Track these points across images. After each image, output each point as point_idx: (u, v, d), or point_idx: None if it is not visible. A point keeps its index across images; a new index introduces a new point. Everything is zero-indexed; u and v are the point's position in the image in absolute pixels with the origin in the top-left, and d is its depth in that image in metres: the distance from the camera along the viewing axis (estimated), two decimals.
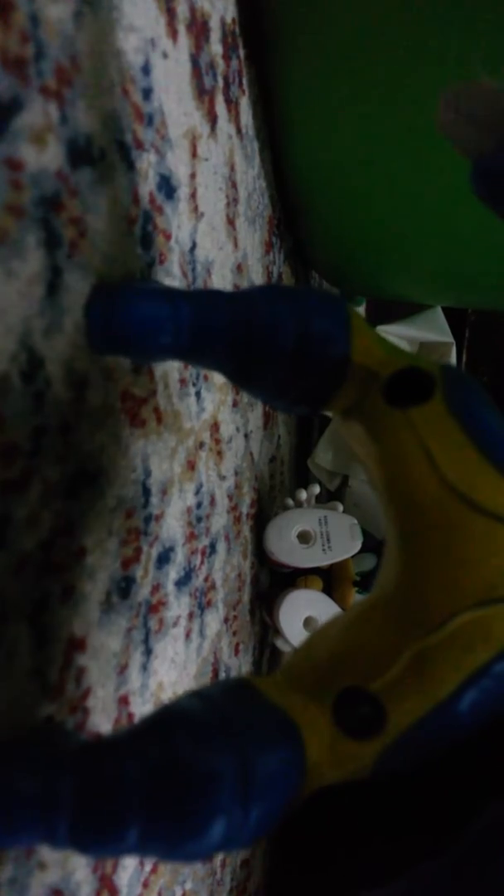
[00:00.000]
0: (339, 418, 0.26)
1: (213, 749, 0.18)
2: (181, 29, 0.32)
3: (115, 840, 0.17)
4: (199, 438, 0.38)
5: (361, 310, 1.15)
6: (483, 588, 0.20)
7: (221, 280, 0.41)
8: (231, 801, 0.17)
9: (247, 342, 0.23)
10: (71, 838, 0.17)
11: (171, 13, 0.31)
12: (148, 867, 0.33)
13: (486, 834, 0.19)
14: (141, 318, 0.23)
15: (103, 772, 0.17)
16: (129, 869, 0.30)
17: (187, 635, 0.38)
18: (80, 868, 0.25)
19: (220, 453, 0.43)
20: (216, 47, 0.39)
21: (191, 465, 0.37)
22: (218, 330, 0.23)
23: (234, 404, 0.46)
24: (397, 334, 0.79)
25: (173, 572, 0.35)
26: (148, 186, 0.29)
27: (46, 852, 0.23)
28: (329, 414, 0.26)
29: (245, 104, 0.47)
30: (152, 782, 0.17)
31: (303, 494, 0.61)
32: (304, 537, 0.57)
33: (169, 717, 0.19)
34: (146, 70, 0.28)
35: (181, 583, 0.36)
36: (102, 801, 0.17)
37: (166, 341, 0.23)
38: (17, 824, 0.17)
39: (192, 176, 0.35)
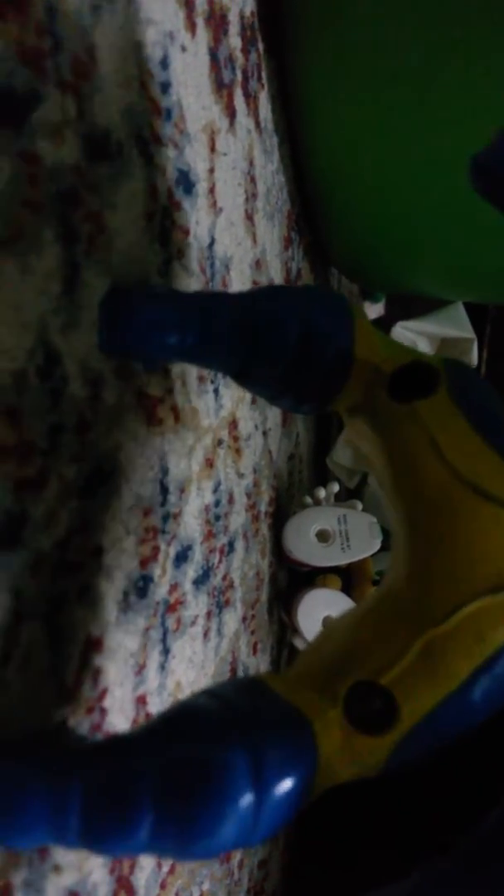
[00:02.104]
0: (345, 416, 0.26)
1: (225, 744, 0.18)
2: (200, 22, 0.32)
3: (126, 835, 0.17)
4: (217, 436, 0.38)
5: (381, 306, 1.14)
6: (492, 576, 0.20)
7: (240, 276, 0.41)
8: (243, 794, 0.17)
9: (252, 341, 0.24)
10: (82, 835, 0.17)
11: (189, 6, 0.30)
12: (165, 868, 0.33)
13: (498, 828, 0.19)
14: (148, 321, 0.23)
15: (113, 768, 0.17)
16: (146, 870, 0.30)
17: (205, 634, 0.38)
18: (96, 869, 0.25)
19: (238, 451, 0.43)
20: (235, 41, 0.38)
21: (209, 463, 0.37)
22: (224, 329, 0.24)
23: (253, 401, 0.46)
24: (418, 330, 0.78)
25: (191, 571, 0.35)
26: (166, 182, 0.28)
27: (61, 855, 0.23)
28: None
29: (264, 98, 0.47)
30: (164, 776, 0.17)
31: (322, 492, 0.61)
32: (322, 536, 0.57)
33: (182, 713, 0.19)
34: (164, 64, 0.28)
35: (199, 581, 0.36)
36: (112, 797, 0.17)
37: (173, 342, 0.23)
38: (28, 823, 0.16)
39: (211, 171, 0.34)
